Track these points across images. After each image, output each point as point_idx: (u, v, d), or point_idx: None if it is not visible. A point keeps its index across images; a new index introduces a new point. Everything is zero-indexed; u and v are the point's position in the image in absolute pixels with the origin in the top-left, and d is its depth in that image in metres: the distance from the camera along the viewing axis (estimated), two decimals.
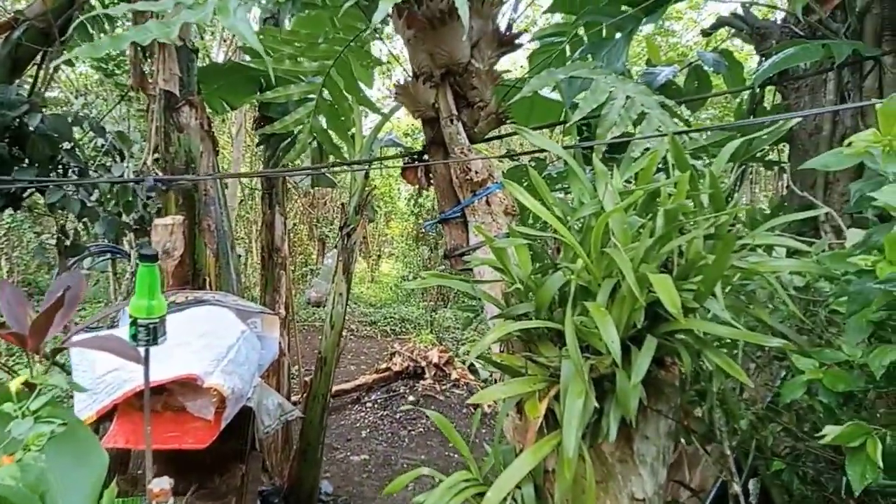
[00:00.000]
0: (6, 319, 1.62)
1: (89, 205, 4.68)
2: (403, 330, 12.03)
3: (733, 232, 1.26)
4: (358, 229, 4.49)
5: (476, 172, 1.96)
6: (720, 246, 1.31)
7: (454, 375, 8.89)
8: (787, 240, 1.52)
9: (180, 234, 3.99)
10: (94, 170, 5.34)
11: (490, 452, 1.71)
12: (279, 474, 5.03)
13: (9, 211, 9.39)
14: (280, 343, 5.47)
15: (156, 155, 4.02)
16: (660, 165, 1.67)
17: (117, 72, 5.79)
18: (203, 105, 4.20)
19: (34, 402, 1.30)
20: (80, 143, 6.12)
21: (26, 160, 4.40)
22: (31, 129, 4.32)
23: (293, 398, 5.76)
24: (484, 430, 7.47)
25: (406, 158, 2.29)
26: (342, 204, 4.31)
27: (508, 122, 2.10)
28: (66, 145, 4.87)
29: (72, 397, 2.95)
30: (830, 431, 1.15)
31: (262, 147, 5.37)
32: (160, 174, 4.04)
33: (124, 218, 5.18)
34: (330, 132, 2.89)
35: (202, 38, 8.59)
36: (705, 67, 3.28)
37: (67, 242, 5.06)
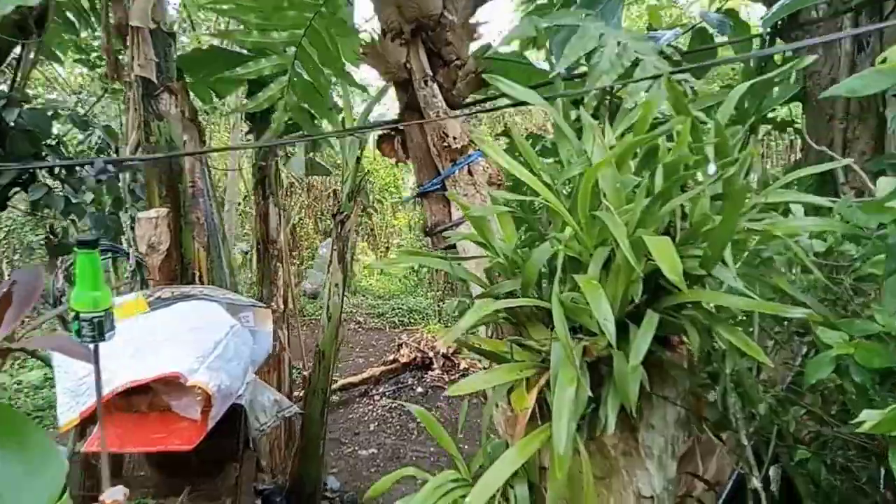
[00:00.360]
0: None
1: (75, 201, 4.54)
2: (412, 321, 11.88)
3: (743, 187, 1.07)
4: (352, 216, 4.32)
5: (454, 138, 1.77)
6: (729, 204, 1.12)
7: (463, 365, 8.72)
8: (806, 196, 1.32)
9: (165, 227, 3.83)
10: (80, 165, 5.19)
11: (482, 448, 1.54)
12: (283, 472, 4.90)
13: (8, 213, 9.32)
14: (280, 337, 5.34)
15: (136, 146, 3.85)
16: (660, 119, 1.48)
17: (100, 64, 5.62)
18: (184, 92, 4.02)
19: None
20: (66, 139, 5.98)
21: (6, 157, 4.25)
22: (9, 124, 4.18)
23: (296, 393, 5.62)
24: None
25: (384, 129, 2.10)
26: (334, 190, 4.13)
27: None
28: (52, 142, 4.74)
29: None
30: (868, 418, 0.97)
31: (252, 135, 5.20)
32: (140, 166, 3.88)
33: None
34: (310, 111, 2.70)
35: (194, 30, 8.41)
36: (710, 30, 3.06)
37: (56, 242, 4.94)
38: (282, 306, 5.23)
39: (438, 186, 1.84)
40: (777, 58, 2.69)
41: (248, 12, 2.14)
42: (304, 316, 11.40)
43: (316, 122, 3.28)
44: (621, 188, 1.20)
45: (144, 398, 2.97)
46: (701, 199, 1.23)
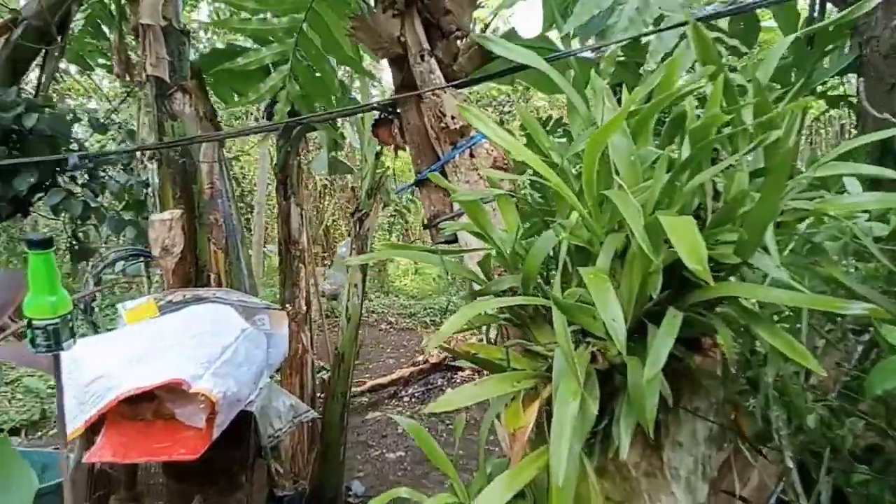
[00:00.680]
0: None
1: (93, 205, 4.50)
2: (444, 321, 11.67)
3: (789, 150, 0.85)
4: (371, 214, 4.16)
5: (453, 118, 1.57)
6: (771, 177, 0.90)
7: None
8: (866, 167, 1.09)
9: (179, 229, 3.74)
10: (102, 170, 5.16)
11: (479, 468, 1.35)
12: (305, 477, 4.78)
13: (44, 222, 9.44)
14: (302, 340, 5.23)
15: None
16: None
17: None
18: (200, 91, 3.93)
19: None
20: (88, 144, 5.99)
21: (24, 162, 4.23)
22: (27, 129, 4.15)
23: (321, 395, 5.51)
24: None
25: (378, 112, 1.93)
26: (352, 188, 3.98)
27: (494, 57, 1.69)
28: (74, 146, 4.71)
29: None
30: None
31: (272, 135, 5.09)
32: (153, 167, 3.81)
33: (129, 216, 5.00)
34: (313, 101, 2.56)
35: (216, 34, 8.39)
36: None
37: (77, 246, 4.92)
38: (304, 308, 5.11)
39: (437, 173, 1.65)
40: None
41: None
42: (336, 316, 11.35)
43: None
44: (637, 162, 1.00)
45: (149, 406, 2.86)
46: (738, 173, 1.01)
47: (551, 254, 1.10)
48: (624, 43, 1.42)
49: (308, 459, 4.83)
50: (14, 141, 4.22)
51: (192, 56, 4.04)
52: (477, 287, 1.31)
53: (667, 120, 1.19)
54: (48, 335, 1.32)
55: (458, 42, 1.69)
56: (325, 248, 15.79)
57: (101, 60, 6.18)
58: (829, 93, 2.52)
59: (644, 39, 1.49)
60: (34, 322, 1.31)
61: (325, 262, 14.64)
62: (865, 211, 1.16)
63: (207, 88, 4.33)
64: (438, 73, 1.65)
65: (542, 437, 1.14)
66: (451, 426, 7.10)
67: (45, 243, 1.33)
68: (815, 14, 2.40)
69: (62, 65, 8.98)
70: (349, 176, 15.16)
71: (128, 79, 3.68)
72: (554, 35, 2.59)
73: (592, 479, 0.99)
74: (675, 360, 0.98)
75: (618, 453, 1.00)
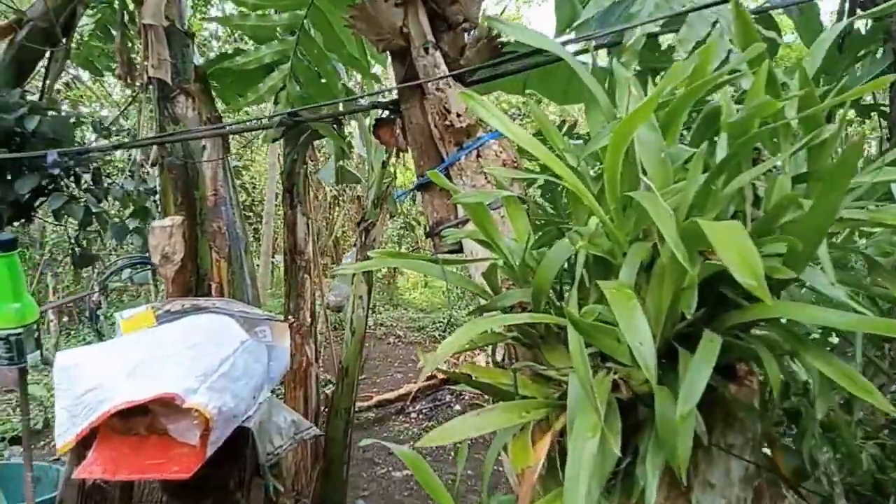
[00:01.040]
0: None
1: (95, 210, 4.42)
2: (452, 334, 11.54)
3: (854, 147, 0.72)
4: (377, 224, 4.05)
5: (458, 116, 1.44)
6: (831, 178, 0.76)
7: None
8: None
9: (180, 236, 3.64)
10: (107, 175, 5.09)
11: None
12: (308, 496, 4.63)
13: (52, 228, 9.40)
14: (307, 352, 5.10)
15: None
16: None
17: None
18: (204, 94, 3.83)
19: None
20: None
21: (26, 166, 4.16)
22: (30, 132, 4.09)
23: (326, 409, 5.37)
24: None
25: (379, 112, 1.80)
26: (358, 197, 3.87)
27: (505, 50, 1.57)
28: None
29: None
30: None
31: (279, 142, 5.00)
32: (155, 173, 3.71)
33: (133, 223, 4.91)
34: (314, 102, 2.45)
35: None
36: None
37: (80, 252, 4.84)
38: (308, 319, 4.99)
39: (442, 176, 1.53)
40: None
41: None
42: (342, 329, 11.23)
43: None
44: (668, 161, 0.86)
45: (143, 420, 2.74)
46: (781, 177, 0.87)
47: (566, 266, 0.97)
48: (650, 28, 1.29)
49: (311, 477, 4.68)
50: (16, 143, 4.14)
51: (198, 60, 3.96)
52: (483, 302, 1.18)
53: (696, 117, 1.06)
54: (10, 346, 1.20)
55: (466, 34, 1.57)
56: (335, 260, 15.72)
57: (112, 65, 6.16)
58: (860, 102, 2.38)
59: (666, 34, 1.36)
60: None
61: (335, 274, 14.54)
62: None
63: (213, 94, 4.25)
64: (444, 67, 1.52)
65: (555, 474, 1.01)
66: (459, 444, 6.92)
67: (9, 244, 1.21)
68: (846, 17, 2.26)
69: (74, 71, 9.01)
70: (358, 186, 15.12)
71: (130, 81, 3.58)
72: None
73: None
74: (708, 389, 0.84)
75: (643, 496, 0.86)
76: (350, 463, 4.18)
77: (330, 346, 6.04)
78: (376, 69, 3.61)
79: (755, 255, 0.62)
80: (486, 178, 1.40)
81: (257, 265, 10.07)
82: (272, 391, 3.44)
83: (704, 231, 0.70)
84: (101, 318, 5.44)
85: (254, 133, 13.93)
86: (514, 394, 0.97)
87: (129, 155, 6.94)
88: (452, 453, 6.70)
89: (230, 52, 5.79)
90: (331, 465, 4.00)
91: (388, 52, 1.68)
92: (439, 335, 11.57)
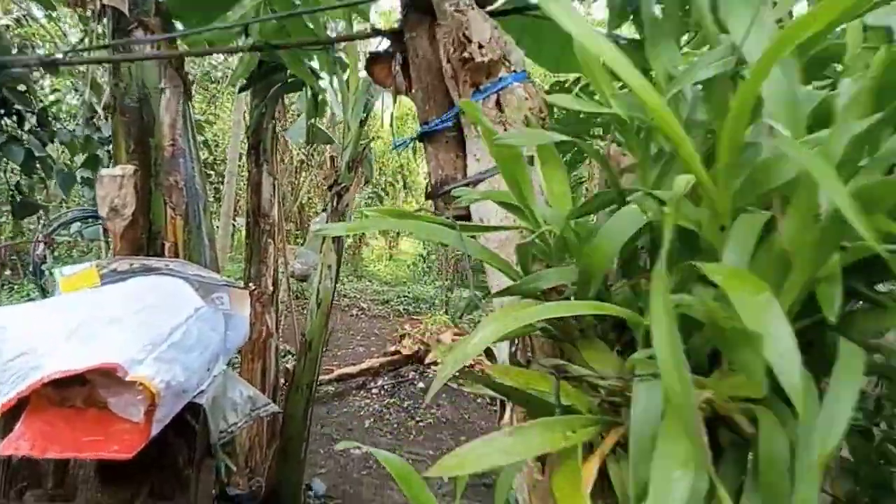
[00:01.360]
0: None
1: (38, 154, 4.02)
2: (417, 310, 11.35)
3: None
4: (351, 189, 3.76)
5: (481, 47, 1.18)
6: None
7: (470, 361, 8.17)
8: None
9: (131, 187, 3.29)
10: (54, 117, 4.66)
11: None
12: (262, 473, 4.38)
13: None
14: (267, 322, 4.81)
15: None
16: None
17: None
18: (165, 31, 3.45)
19: None
20: (43, 88, 5.46)
21: None
22: None
23: (285, 383, 5.10)
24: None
25: (377, 45, 1.51)
26: (332, 157, 3.58)
27: None
28: (21, 87, 4.22)
29: None
30: None
31: (246, 94, 4.64)
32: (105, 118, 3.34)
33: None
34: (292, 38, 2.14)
35: None
36: None
37: (20, 200, 4.43)
38: (270, 287, 4.69)
39: (450, 125, 1.26)
40: None
41: None
42: (305, 298, 10.91)
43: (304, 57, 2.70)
44: (798, 105, 0.62)
45: (80, 391, 2.43)
46: None
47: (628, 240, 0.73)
48: None
49: (266, 454, 4.43)
50: None
51: None
52: (501, 280, 0.94)
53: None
54: None
55: None
56: (299, 226, 15.30)
57: None
58: None
59: None
60: None
61: (298, 241, 14.16)
62: None
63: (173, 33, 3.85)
64: None
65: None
66: (420, 423, 6.74)
67: None
68: None
69: (25, 7, 8.36)
70: (327, 152, 14.67)
71: (81, 8, 3.19)
72: None
73: None
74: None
75: None
76: (308, 441, 3.94)
77: (291, 315, 5.75)
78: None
79: None
80: (504, 127, 1.14)
81: (217, 227, 9.64)
82: (228, 363, 3.16)
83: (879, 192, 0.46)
84: (46, 273, 5.05)
85: (219, 87, 13.33)
86: (549, 404, 0.73)
87: (83, 100, 6.45)
88: (413, 432, 6.52)
89: None
90: (288, 443, 3.75)
91: None
92: (403, 310, 11.35)
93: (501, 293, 0.84)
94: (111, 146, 4.00)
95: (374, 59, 1.48)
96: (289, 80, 4.54)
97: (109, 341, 2.39)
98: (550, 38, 2.40)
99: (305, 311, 9.20)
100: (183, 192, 3.74)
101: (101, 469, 2.84)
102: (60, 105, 5.51)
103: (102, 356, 2.24)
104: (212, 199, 11.87)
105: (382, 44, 1.56)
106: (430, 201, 1.24)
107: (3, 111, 4.04)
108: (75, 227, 5.36)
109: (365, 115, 3.80)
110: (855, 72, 0.67)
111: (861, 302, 0.70)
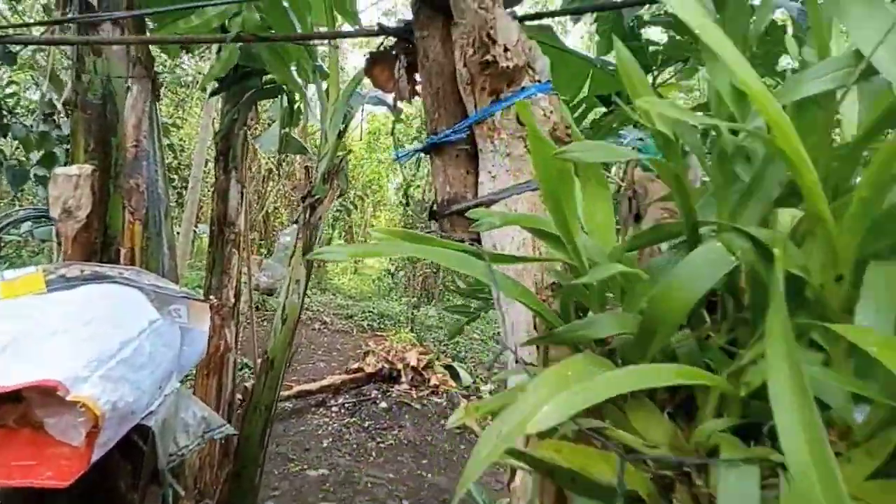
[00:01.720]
0: None
1: None
2: (382, 326, 11.13)
3: None
4: (325, 201, 3.58)
5: (506, 50, 1.03)
6: None
7: (433, 381, 7.99)
8: None
9: (88, 188, 3.05)
10: (8, 111, 4.39)
11: None
12: (212, 496, 4.11)
13: None
14: (226, 336, 4.56)
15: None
16: None
17: None
18: (135, 28, 3.24)
19: None
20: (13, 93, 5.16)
21: None
22: None
23: (242, 399, 4.83)
24: (463, 446, 6.59)
25: (379, 46, 1.35)
26: (306, 168, 3.40)
27: None
28: None
29: None
30: None
31: (217, 99, 4.43)
32: (66, 114, 3.11)
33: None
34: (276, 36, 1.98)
35: None
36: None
37: None
38: (232, 299, 4.45)
39: (463, 137, 1.11)
40: None
41: None
42: (266, 310, 10.58)
43: (287, 65, 2.53)
44: None
45: (13, 408, 2.17)
46: None
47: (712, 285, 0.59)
48: None
49: (217, 475, 4.15)
50: None
51: None
52: (517, 320, 0.79)
53: None
54: None
55: None
56: (263, 236, 14.95)
57: None
58: None
59: None
60: None
61: (262, 251, 13.83)
62: None
63: (147, 31, 3.65)
64: None
65: None
66: (381, 444, 6.51)
67: None
68: None
69: None
70: (297, 162, 14.40)
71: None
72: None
73: None
74: None
75: None
76: (264, 467, 3.71)
77: (251, 326, 5.50)
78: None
79: None
80: (524, 143, 1.00)
81: (177, 233, 9.29)
82: (180, 381, 2.93)
83: None
84: None
85: (188, 91, 12.99)
86: (603, 487, 0.58)
87: (44, 95, 6.12)
88: (374, 454, 6.28)
89: None
90: (243, 468, 3.51)
91: None
92: (367, 325, 11.11)
93: (540, 340, 0.69)
94: (70, 144, 3.75)
95: (374, 61, 1.33)
96: (264, 87, 4.36)
97: (50, 356, 2.15)
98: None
99: (266, 323, 8.88)
100: (144, 195, 3.51)
101: (28, 495, 2.57)
102: (18, 99, 5.20)
103: (41, 372, 2.01)
104: (174, 205, 11.49)
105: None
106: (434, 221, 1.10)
107: None
108: (26, 226, 5.03)
109: (344, 126, 3.64)
110: None
111: None
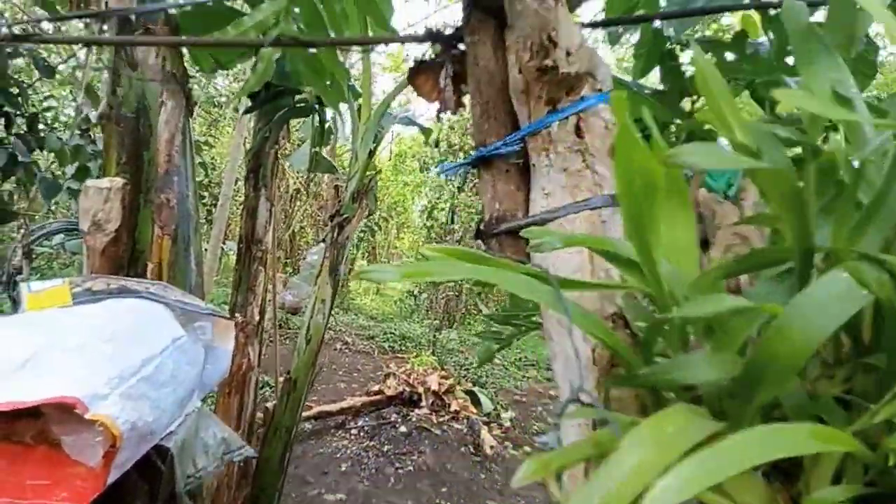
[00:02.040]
0: None
1: (22, 159, 3.76)
2: (403, 348, 11.02)
3: None
4: (353, 221, 3.52)
5: (568, 55, 0.95)
6: None
7: (454, 406, 7.84)
8: None
9: (118, 202, 3.04)
10: (50, 128, 4.43)
11: None
12: None
13: None
14: (249, 354, 4.50)
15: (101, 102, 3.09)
16: None
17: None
18: (171, 32, 3.25)
19: None
20: (37, 93, 5.23)
21: None
22: None
23: (260, 423, 4.75)
24: (483, 475, 6.41)
25: (423, 55, 1.30)
26: (336, 186, 3.35)
27: None
28: (15, 90, 3.99)
29: None
30: None
31: (249, 118, 4.42)
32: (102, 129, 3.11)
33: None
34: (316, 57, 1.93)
35: None
36: None
37: None
38: (257, 317, 4.39)
39: (515, 150, 1.03)
40: None
41: None
42: (289, 328, 10.55)
43: (323, 78, 2.48)
44: None
45: (30, 425, 2.11)
46: None
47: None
48: None
49: (235, 498, 4.07)
50: None
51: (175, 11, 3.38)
52: (561, 349, 0.69)
53: None
54: None
55: None
56: (289, 255, 15.02)
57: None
58: None
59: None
60: None
61: (287, 269, 13.86)
62: None
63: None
64: None
65: None
66: (400, 470, 6.37)
67: None
68: None
69: (32, 14, 8.19)
70: (324, 182, 14.50)
71: (83, 7, 2.98)
72: None
73: None
74: None
75: None
76: (282, 490, 3.61)
77: (274, 345, 5.44)
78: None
79: None
80: (583, 157, 0.91)
81: (205, 250, 9.36)
82: (202, 400, 2.86)
83: None
84: (20, 285, 4.75)
85: (221, 111, 13.20)
86: None
87: (81, 110, 6.22)
88: (392, 480, 6.13)
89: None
90: (261, 491, 3.42)
91: None
92: (389, 347, 11.01)
93: (619, 382, 0.60)
94: (102, 158, 3.76)
95: (418, 69, 1.26)
96: (296, 105, 4.35)
97: (71, 372, 2.09)
98: None
99: (288, 342, 8.84)
100: (174, 211, 3.49)
101: None
102: (56, 113, 5.27)
103: (60, 389, 1.94)
104: (203, 222, 11.61)
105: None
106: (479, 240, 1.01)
107: None
108: (58, 238, 5.06)
109: (375, 145, 3.60)
110: None
111: None
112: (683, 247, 0.65)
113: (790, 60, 2.09)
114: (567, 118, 0.94)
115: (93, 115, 4.79)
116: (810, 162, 0.67)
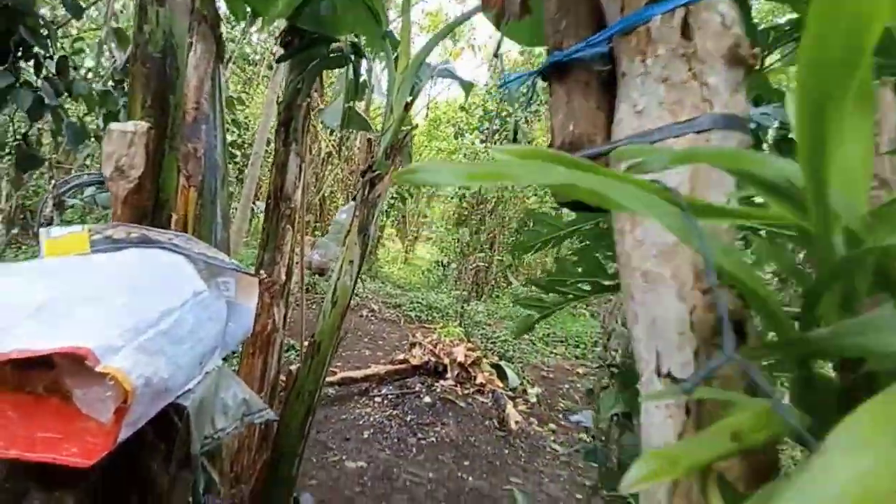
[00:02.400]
0: None
1: (48, 102, 3.64)
2: (430, 318, 10.91)
3: None
4: (385, 178, 3.33)
5: None
6: None
7: (479, 379, 7.71)
8: None
9: (142, 147, 2.89)
10: (74, 68, 4.29)
11: None
12: (247, 481, 3.94)
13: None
14: (274, 315, 4.39)
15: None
16: None
17: None
18: None
19: None
20: (65, 32, 5.10)
21: None
22: None
23: (282, 385, 4.67)
24: (507, 450, 6.28)
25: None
26: (368, 140, 3.16)
27: None
28: (41, 28, 3.85)
29: None
30: None
31: (282, 77, 4.23)
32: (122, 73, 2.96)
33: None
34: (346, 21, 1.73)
35: None
36: None
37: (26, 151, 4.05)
38: (283, 277, 4.27)
39: (601, 52, 0.80)
40: None
41: None
42: (316, 292, 10.51)
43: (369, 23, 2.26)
44: None
45: (43, 375, 1.98)
46: None
47: None
48: None
49: (254, 459, 3.99)
50: None
51: None
52: (682, 328, 0.50)
53: None
54: None
55: None
56: (318, 219, 14.95)
57: None
58: None
59: None
60: None
61: (316, 233, 13.80)
62: None
63: None
64: None
65: None
66: (423, 441, 6.27)
67: None
68: None
69: None
70: (356, 146, 14.31)
71: None
72: None
73: None
74: None
75: None
76: (303, 456, 3.51)
77: (300, 308, 5.33)
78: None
79: None
80: (688, 65, 0.70)
81: (235, 209, 9.28)
82: (223, 359, 2.73)
83: None
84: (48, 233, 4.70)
85: (255, 69, 13.05)
86: None
87: (114, 60, 6.08)
88: (414, 450, 6.04)
89: None
90: (280, 458, 3.31)
91: None
92: (415, 316, 10.90)
93: (769, 349, 0.40)
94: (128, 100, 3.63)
95: None
96: (330, 55, 4.15)
97: (84, 321, 1.94)
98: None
99: (314, 306, 8.77)
100: (201, 161, 3.35)
101: (28, 473, 2.42)
102: (83, 57, 5.15)
103: (72, 338, 1.81)
104: (233, 180, 11.55)
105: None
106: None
107: (20, 53, 3.68)
108: (90, 191, 4.98)
109: (412, 98, 3.39)
110: None
111: None
112: (854, 166, 0.45)
113: None
114: (672, 11, 0.72)
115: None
116: None
